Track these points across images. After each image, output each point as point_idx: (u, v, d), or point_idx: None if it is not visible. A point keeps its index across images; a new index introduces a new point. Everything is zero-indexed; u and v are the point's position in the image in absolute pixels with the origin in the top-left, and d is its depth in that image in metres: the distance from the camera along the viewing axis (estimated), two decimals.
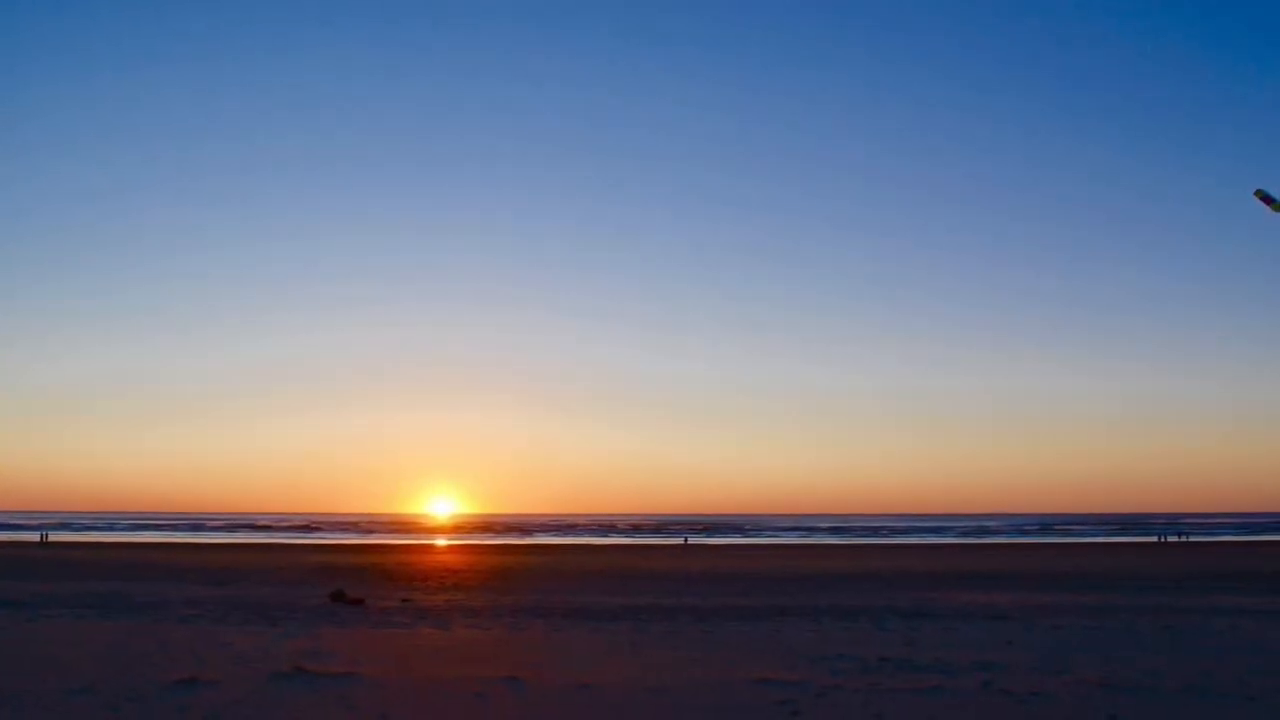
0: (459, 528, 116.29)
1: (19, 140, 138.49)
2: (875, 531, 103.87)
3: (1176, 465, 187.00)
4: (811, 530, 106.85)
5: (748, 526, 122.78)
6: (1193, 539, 74.22)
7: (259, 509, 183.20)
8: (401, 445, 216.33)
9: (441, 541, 74.50)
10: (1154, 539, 75.02)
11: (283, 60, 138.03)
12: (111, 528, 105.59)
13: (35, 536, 71.76)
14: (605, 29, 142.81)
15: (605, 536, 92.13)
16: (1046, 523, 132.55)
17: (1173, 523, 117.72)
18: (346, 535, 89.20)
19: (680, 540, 77.75)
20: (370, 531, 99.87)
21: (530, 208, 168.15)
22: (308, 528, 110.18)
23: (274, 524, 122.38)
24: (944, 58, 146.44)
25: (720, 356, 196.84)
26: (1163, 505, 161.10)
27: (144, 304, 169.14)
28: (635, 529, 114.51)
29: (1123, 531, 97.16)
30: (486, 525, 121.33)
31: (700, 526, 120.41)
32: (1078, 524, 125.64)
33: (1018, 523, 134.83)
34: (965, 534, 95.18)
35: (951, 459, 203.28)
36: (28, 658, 11.55)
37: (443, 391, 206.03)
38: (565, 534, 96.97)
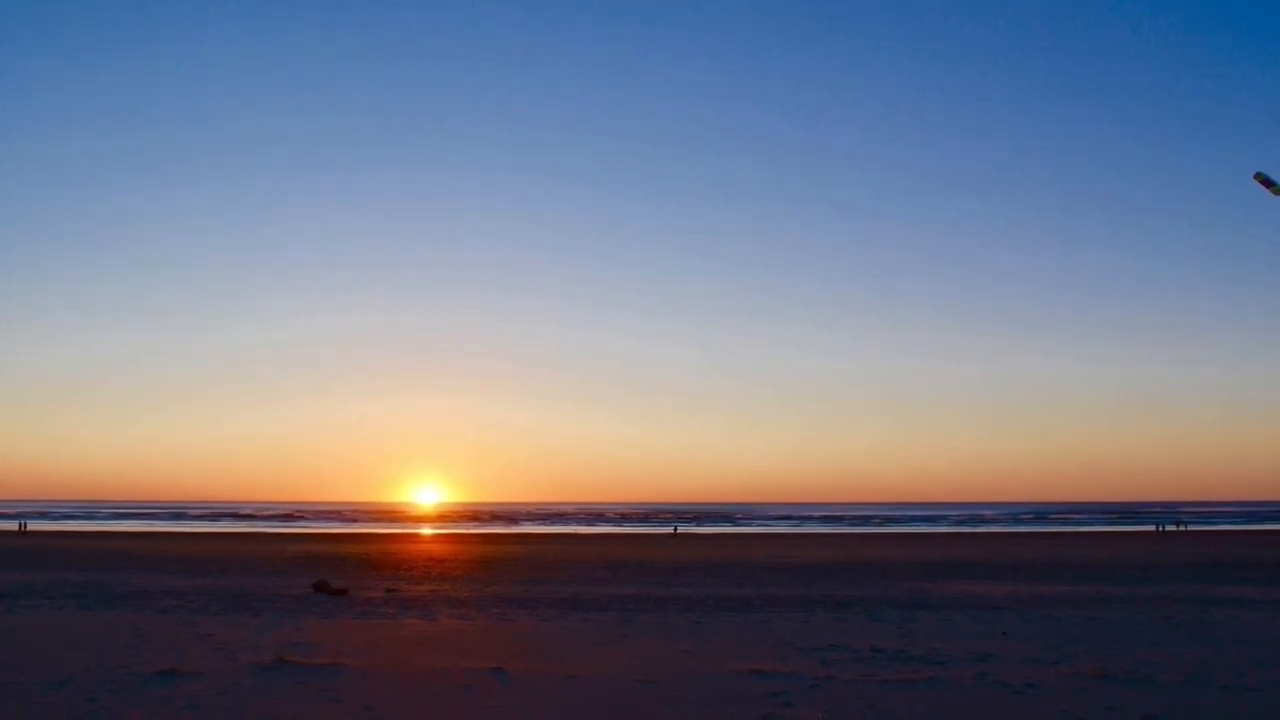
0: (444, 517, 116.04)
1: None
2: (868, 521, 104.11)
3: (1174, 453, 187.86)
4: (803, 519, 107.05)
5: (738, 515, 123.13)
6: (1191, 528, 74.16)
7: (241, 498, 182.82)
8: (386, 433, 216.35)
9: (426, 531, 74.23)
10: (1152, 528, 74.75)
11: (266, 43, 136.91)
12: (91, 517, 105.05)
13: (14, 525, 71.21)
14: (593, 11, 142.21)
15: (593, 525, 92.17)
16: (1042, 512, 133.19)
17: (1170, 511, 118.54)
18: (330, 524, 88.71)
19: (670, 529, 77.79)
20: (354, 521, 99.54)
21: (517, 192, 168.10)
22: (290, 517, 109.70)
23: (256, 513, 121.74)
24: (936, 40, 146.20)
25: (710, 343, 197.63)
26: (1160, 494, 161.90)
27: (124, 291, 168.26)
28: (624, 518, 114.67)
29: (1120, 520, 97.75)
30: (472, 514, 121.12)
31: (690, 515, 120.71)
32: (1074, 513, 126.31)
33: (1013, 511, 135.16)
34: (960, 523, 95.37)
35: (946, 447, 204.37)
36: (5, 649, 11.38)
37: (428, 378, 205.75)
38: (552, 523, 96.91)
